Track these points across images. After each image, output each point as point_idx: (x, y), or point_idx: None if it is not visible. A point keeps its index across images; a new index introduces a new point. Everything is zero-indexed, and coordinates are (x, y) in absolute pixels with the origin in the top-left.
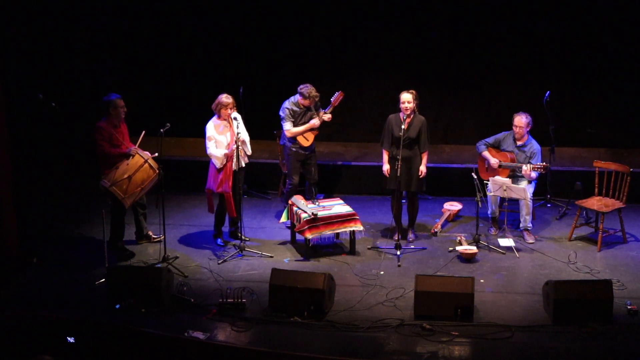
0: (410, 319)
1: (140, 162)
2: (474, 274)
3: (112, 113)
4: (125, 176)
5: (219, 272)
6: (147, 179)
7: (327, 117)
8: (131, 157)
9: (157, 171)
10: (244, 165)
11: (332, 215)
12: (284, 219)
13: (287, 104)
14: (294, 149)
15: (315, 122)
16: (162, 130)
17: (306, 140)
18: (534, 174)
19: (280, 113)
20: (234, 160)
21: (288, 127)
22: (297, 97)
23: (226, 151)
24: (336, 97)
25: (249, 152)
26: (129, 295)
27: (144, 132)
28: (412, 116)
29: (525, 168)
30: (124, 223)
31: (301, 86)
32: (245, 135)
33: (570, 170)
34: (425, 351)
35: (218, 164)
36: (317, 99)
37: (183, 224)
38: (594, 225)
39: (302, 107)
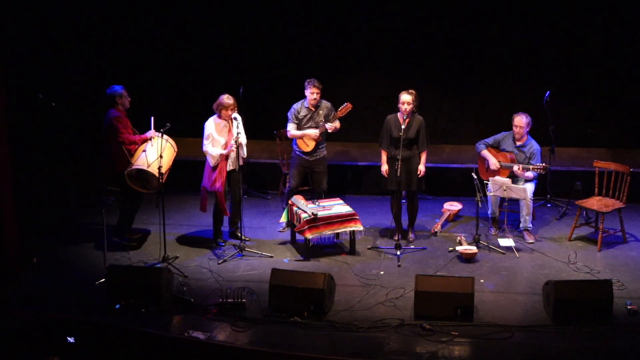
0: (410, 319)
1: (163, 142)
2: (474, 274)
3: (118, 102)
4: (157, 156)
5: (219, 272)
6: (171, 157)
7: (329, 126)
8: (152, 139)
9: (176, 149)
10: (240, 165)
11: (332, 215)
12: (283, 219)
13: (295, 105)
14: (297, 152)
15: (312, 132)
16: (162, 130)
17: (305, 145)
18: (529, 174)
19: (288, 113)
20: (232, 159)
21: (290, 128)
22: (306, 101)
23: (223, 151)
24: (342, 108)
25: (244, 154)
26: (129, 295)
27: (152, 117)
28: (410, 116)
29: (516, 168)
30: (134, 215)
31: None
32: (243, 138)
33: (570, 170)
34: (425, 351)
35: (212, 163)
36: (315, 86)
37: (183, 224)
38: (594, 225)
39: (311, 108)
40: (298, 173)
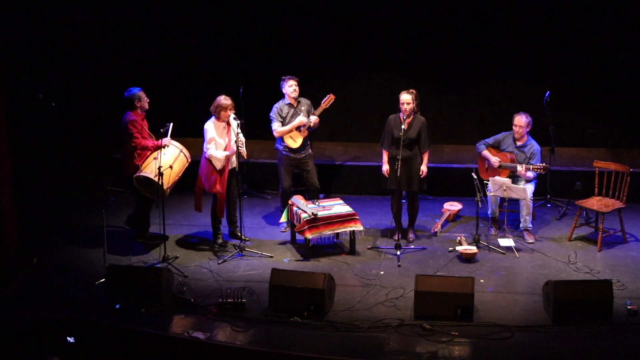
0: (410, 319)
1: (177, 152)
2: (474, 274)
3: (137, 105)
4: (168, 166)
5: (219, 272)
6: (182, 168)
7: (313, 118)
8: (166, 147)
9: (189, 160)
10: (239, 162)
11: (332, 215)
12: (283, 219)
13: (276, 104)
14: (284, 152)
15: (302, 119)
16: (162, 130)
17: (293, 142)
18: (530, 174)
19: (270, 114)
20: (232, 159)
21: (275, 127)
22: (285, 98)
23: (228, 153)
24: (326, 100)
25: (245, 154)
26: (129, 295)
27: (171, 123)
28: (412, 117)
29: (520, 168)
30: (149, 215)
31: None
32: (241, 136)
33: (570, 170)
34: (425, 351)
35: (219, 166)
36: (292, 78)
37: (183, 224)
38: (594, 225)
39: (292, 104)
40: (287, 173)
